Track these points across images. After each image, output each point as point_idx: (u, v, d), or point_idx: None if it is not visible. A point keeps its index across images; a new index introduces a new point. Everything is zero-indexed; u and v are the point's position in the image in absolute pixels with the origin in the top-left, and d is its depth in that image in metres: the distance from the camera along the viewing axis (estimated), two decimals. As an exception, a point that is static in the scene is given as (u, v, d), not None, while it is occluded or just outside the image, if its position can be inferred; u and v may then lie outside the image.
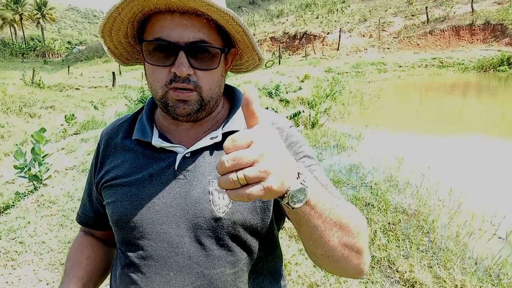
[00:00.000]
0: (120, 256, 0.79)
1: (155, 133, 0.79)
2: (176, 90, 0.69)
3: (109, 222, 0.79)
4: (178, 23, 0.66)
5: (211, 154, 0.75)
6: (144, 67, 0.75)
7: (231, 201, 0.71)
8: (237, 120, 0.78)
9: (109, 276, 0.90)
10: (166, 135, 0.79)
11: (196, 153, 0.75)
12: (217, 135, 0.76)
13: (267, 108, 6.17)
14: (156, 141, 0.76)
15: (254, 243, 0.75)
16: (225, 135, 0.75)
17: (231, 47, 0.76)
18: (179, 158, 0.75)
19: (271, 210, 0.76)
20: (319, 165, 0.79)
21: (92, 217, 0.91)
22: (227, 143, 0.43)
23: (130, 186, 0.75)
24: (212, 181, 0.72)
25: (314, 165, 0.76)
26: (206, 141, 0.76)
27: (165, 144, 0.76)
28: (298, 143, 0.79)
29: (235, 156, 0.41)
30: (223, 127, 0.77)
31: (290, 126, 0.81)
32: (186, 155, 0.75)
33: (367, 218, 3.09)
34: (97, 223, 0.92)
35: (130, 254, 0.75)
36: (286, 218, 0.81)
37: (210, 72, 0.70)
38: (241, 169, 0.42)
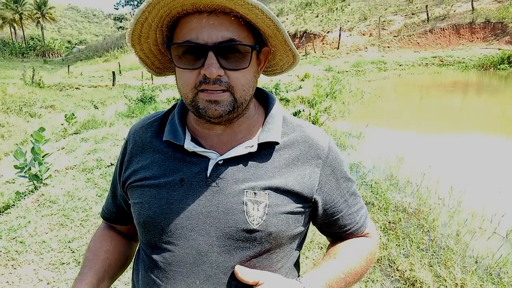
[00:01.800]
0: (144, 258, 0.77)
1: (188, 136, 0.76)
2: (206, 91, 0.67)
3: (134, 221, 0.78)
4: (205, 23, 0.64)
5: (245, 163, 0.73)
6: (175, 74, 0.73)
7: (266, 213, 0.70)
8: (273, 130, 0.76)
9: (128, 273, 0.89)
10: (198, 139, 0.77)
11: (230, 161, 0.73)
12: (252, 145, 0.74)
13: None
14: (189, 145, 0.74)
15: (285, 254, 0.76)
16: (261, 146, 0.74)
17: (263, 45, 0.73)
18: (211, 164, 0.73)
19: (306, 223, 0.78)
20: (355, 182, 0.85)
21: (114, 212, 0.92)
22: None
23: (159, 188, 0.74)
24: (247, 191, 0.71)
25: (353, 188, 0.83)
26: (240, 150, 0.73)
27: (198, 149, 0.74)
28: (339, 168, 0.80)
29: None
30: (259, 136, 0.75)
31: (330, 144, 0.80)
32: (219, 162, 0.73)
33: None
34: (119, 219, 0.92)
35: (155, 257, 0.73)
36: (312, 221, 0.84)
37: (242, 71, 0.68)
38: None
